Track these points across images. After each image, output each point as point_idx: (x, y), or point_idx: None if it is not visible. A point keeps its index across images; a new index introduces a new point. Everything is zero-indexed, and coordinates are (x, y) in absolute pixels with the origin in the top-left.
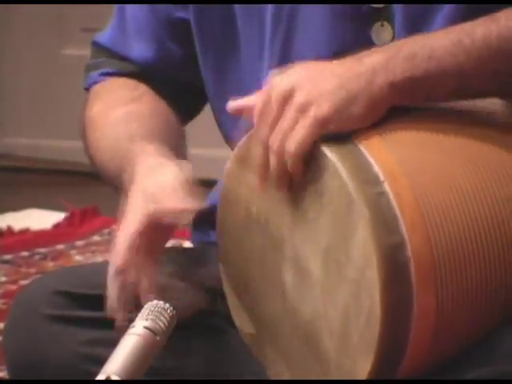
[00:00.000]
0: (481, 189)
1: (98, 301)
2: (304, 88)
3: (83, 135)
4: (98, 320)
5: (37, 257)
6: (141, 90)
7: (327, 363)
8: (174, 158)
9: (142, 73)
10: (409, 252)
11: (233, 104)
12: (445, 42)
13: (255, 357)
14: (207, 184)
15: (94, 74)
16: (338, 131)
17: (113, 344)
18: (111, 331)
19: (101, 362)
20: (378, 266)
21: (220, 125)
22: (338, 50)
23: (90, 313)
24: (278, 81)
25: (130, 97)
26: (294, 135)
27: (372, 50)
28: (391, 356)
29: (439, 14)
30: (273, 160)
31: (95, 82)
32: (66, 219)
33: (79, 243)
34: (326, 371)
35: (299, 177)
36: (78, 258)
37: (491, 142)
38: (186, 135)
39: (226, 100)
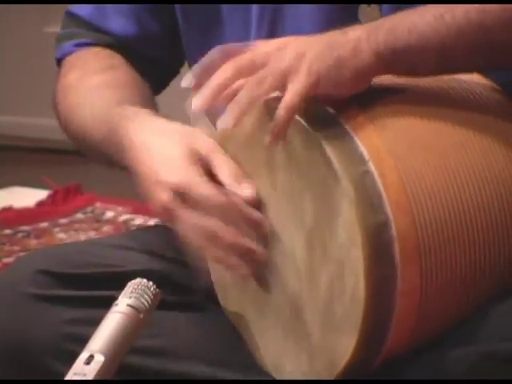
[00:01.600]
0: (468, 169)
1: (82, 280)
2: (295, 44)
3: (56, 103)
4: (82, 299)
5: (20, 235)
6: (117, 59)
7: (312, 342)
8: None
9: (117, 45)
10: (393, 231)
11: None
12: (426, 16)
13: (239, 334)
14: None
15: (68, 44)
16: (324, 92)
17: (96, 323)
18: (94, 310)
19: (84, 341)
20: (363, 244)
21: None
22: (325, 31)
23: (73, 292)
24: (263, 44)
25: (107, 64)
26: (290, 87)
27: (354, 26)
28: (375, 335)
29: None
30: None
31: (69, 53)
32: (49, 197)
33: (62, 221)
34: (310, 350)
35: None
36: (62, 235)
37: (478, 122)
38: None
39: None
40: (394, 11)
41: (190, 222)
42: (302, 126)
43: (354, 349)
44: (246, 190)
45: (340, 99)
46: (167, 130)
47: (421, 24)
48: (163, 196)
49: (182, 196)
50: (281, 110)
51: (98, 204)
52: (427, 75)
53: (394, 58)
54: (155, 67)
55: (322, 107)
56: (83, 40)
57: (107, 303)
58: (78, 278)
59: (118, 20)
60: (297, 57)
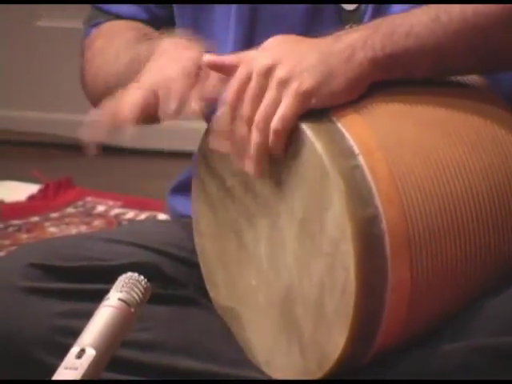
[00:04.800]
0: (457, 162)
1: (73, 273)
2: (285, 63)
3: (84, 76)
4: (73, 292)
5: (11, 229)
6: (136, 25)
7: (302, 336)
8: None
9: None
10: (384, 225)
11: (209, 58)
12: (423, 18)
13: (229, 329)
14: (184, 156)
15: (87, 27)
16: (320, 106)
17: (87, 316)
18: (86, 303)
19: (76, 333)
20: (353, 238)
21: None
22: (303, 32)
23: (64, 285)
24: (258, 56)
25: (130, 26)
26: (278, 112)
27: (349, 30)
28: (366, 328)
29: None
30: (256, 137)
31: (88, 34)
32: (40, 191)
33: (53, 215)
34: (302, 344)
35: (280, 152)
36: (53, 229)
37: (467, 114)
38: None
39: None
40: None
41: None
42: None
43: (345, 343)
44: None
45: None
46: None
47: (418, 27)
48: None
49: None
50: (274, 131)
51: (88, 198)
52: (421, 77)
53: (391, 63)
54: None
55: None
56: (98, 20)
57: (98, 296)
58: (69, 271)
59: (129, 7)
60: (288, 72)
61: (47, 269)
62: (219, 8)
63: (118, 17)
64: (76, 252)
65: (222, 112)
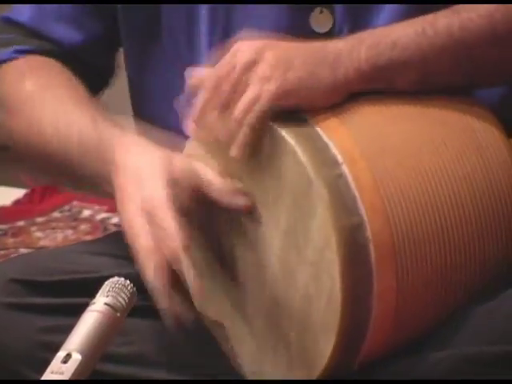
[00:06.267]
0: (441, 169)
1: (55, 287)
2: (270, 59)
3: (9, 111)
4: (56, 307)
5: None
6: (66, 70)
7: (289, 346)
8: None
9: (59, 53)
10: (368, 233)
11: (193, 78)
12: (408, 31)
13: (215, 340)
14: None
15: (6, 51)
16: (299, 107)
17: (70, 331)
18: (68, 318)
19: (58, 349)
20: (338, 246)
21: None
22: (276, 34)
23: (47, 299)
24: (245, 48)
25: (60, 73)
26: (256, 108)
27: (334, 40)
28: (353, 337)
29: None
30: (236, 130)
31: (9, 59)
32: (26, 195)
33: (40, 219)
34: (288, 354)
35: (247, 146)
36: (39, 234)
37: (450, 121)
38: None
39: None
40: (348, 19)
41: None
42: (275, 130)
43: (331, 351)
44: (240, 198)
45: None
46: (148, 150)
47: (403, 39)
48: (130, 208)
49: (148, 214)
50: (247, 125)
51: (75, 202)
52: (407, 90)
53: (376, 74)
54: (93, 75)
55: (296, 112)
56: (23, 47)
57: (81, 310)
58: (51, 285)
59: (60, 27)
60: (271, 68)
61: (29, 284)
62: (170, 35)
63: (50, 41)
64: (57, 266)
65: (201, 98)
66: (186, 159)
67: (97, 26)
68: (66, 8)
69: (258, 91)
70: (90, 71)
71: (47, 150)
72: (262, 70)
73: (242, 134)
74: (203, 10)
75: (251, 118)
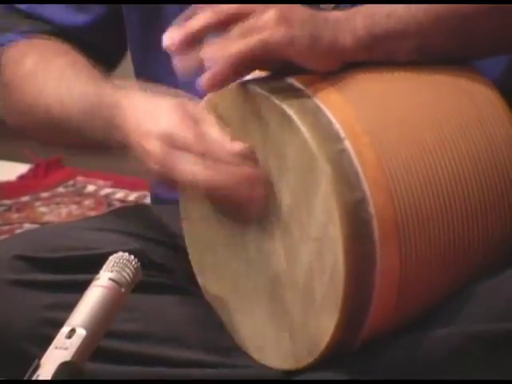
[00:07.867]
0: (443, 144)
1: (59, 264)
2: (280, 8)
3: (15, 90)
4: (59, 283)
5: (1, 208)
6: (66, 46)
7: (293, 322)
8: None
9: (61, 35)
10: (371, 208)
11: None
12: (403, 4)
13: (218, 316)
14: None
15: (9, 34)
16: (295, 60)
17: (75, 307)
18: (73, 294)
19: (62, 325)
20: (341, 222)
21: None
22: None
23: (51, 276)
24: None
25: (64, 50)
26: (241, 45)
27: (331, 11)
28: (356, 313)
29: None
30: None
31: (12, 41)
32: (30, 171)
33: (44, 195)
34: (292, 330)
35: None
36: (43, 209)
37: (453, 95)
38: None
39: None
40: None
41: (186, 165)
42: (277, 106)
43: (334, 328)
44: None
45: (314, 77)
46: (156, 96)
47: (399, 10)
48: (151, 146)
49: (170, 142)
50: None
51: (79, 178)
52: (404, 60)
53: (373, 43)
54: (99, 57)
55: (297, 87)
56: (26, 28)
57: (85, 287)
58: (55, 262)
59: (61, 8)
60: (279, 19)
61: (33, 260)
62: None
63: (49, 23)
64: (61, 242)
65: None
66: (200, 104)
67: (99, 6)
68: None
69: (265, 30)
70: (96, 53)
71: (51, 114)
72: (272, 14)
73: (218, 66)
74: None
75: (233, 51)
